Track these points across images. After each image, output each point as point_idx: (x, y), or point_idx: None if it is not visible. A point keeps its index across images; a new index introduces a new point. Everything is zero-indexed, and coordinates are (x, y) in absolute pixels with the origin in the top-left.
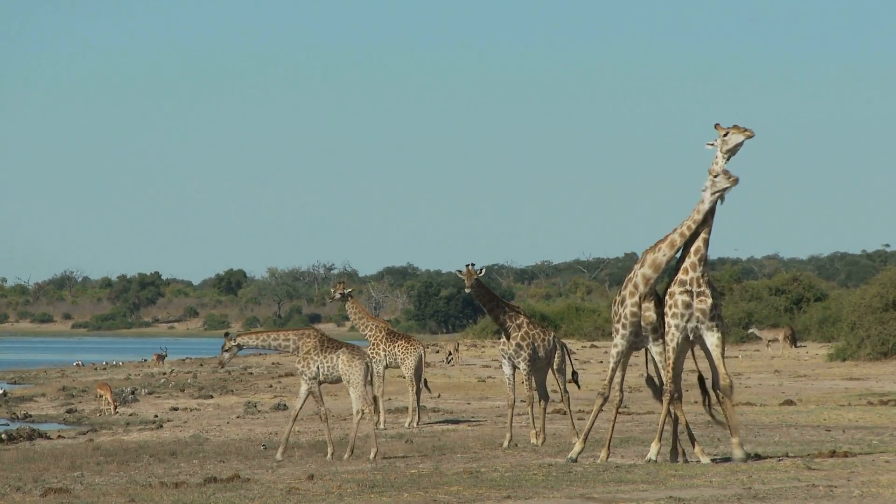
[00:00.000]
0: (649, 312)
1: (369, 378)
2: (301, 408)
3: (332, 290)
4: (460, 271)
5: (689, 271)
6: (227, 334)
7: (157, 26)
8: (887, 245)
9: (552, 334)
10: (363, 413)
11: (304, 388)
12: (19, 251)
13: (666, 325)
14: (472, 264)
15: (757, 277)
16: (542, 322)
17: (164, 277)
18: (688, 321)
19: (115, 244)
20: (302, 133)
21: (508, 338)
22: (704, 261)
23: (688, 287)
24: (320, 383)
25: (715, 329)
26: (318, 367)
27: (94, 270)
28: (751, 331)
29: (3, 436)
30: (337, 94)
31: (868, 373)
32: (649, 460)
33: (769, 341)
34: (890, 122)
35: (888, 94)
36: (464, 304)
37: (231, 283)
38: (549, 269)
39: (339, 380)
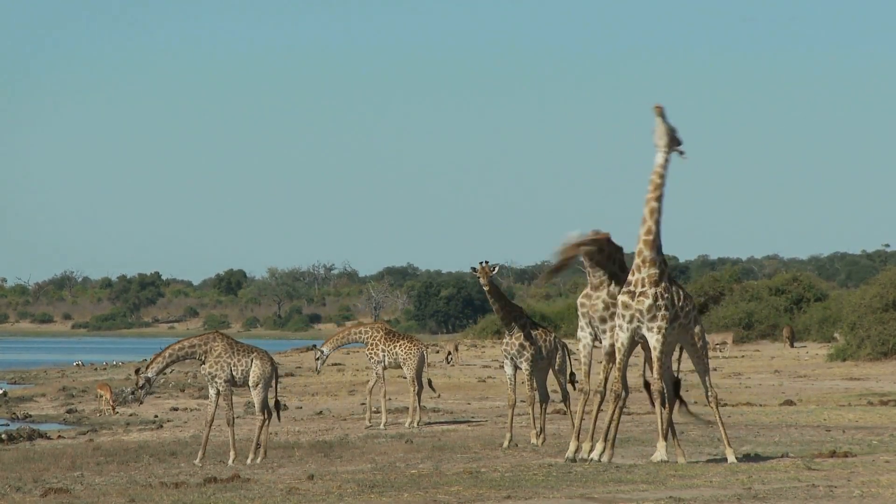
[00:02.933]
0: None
1: (273, 383)
2: (215, 412)
3: (317, 363)
4: (475, 269)
5: (634, 272)
6: (137, 371)
7: (158, 27)
8: (887, 245)
9: (553, 335)
10: (265, 419)
11: (213, 391)
12: (19, 251)
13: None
14: (487, 262)
15: (757, 277)
16: (543, 322)
17: (164, 277)
18: (629, 321)
19: (115, 244)
20: (302, 133)
21: (512, 337)
22: (651, 262)
23: (630, 287)
24: (233, 386)
25: (654, 331)
26: (231, 370)
27: (94, 270)
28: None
29: (3, 436)
30: (337, 94)
31: (868, 373)
32: (592, 460)
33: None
34: (889, 122)
35: (888, 94)
36: (464, 304)
37: (231, 283)
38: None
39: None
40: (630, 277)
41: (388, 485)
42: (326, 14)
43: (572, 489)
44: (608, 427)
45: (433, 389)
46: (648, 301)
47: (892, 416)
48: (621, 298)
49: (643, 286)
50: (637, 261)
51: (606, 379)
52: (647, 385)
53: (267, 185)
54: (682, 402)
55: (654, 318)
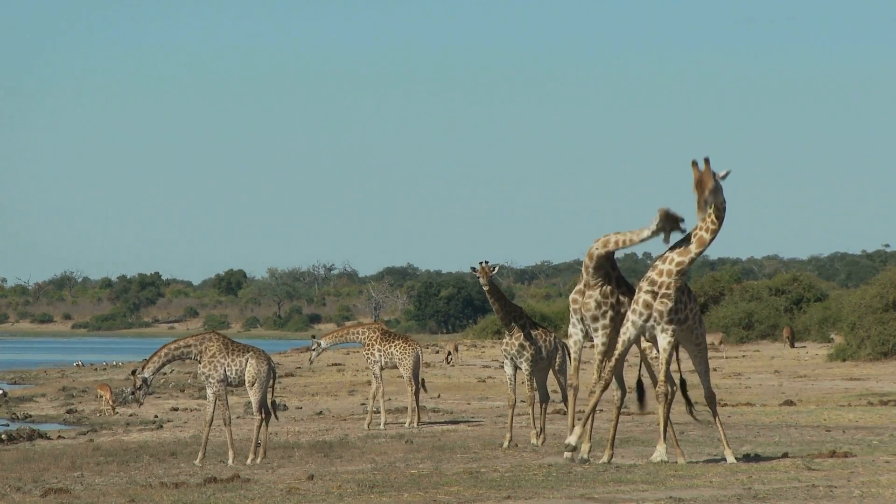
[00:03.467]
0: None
1: (271, 382)
2: (214, 412)
3: (311, 353)
4: (474, 269)
5: (662, 275)
6: (133, 372)
7: (158, 27)
8: (887, 245)
9: (553, 335)
10: (263, 419)
11: (210, 391)
12: (19, 251)
13: (624, 319)
14: (487, 261)
15: (757, 277)
16: (543, 322)
17: (164, 277)
18: (645, 320)
19: (115, 244)
20: (302, 133)
21: (512, 337)
22: (683, 274)
23: (655, 289)
24: (228, 386)
25: (668, 333)
26: (225, 370)
27: (94, 270)
28: None
29: (3, 436)
30: (336, 93)
31: (868, 373)
32: (582, 459)
33: None
34: (890, 122)
35: (888, 94)
36: (464, 304)
37: (231, 283)
38: (549, 269)
39: (243, 383)
40: (656, 277)
41: (388, 485)
42: (326, 13)
43: (572, 489)
44: (614, 429)
45: (425, 390)
46: (671, 305)
47: (892, 416)
48: (644, 297)
49: (668, 289)
50: (671, 266)
51: (601, 377)
52: (640, 384)
53: (267, 185)
54: (689, 402)
55: (671, 322)
